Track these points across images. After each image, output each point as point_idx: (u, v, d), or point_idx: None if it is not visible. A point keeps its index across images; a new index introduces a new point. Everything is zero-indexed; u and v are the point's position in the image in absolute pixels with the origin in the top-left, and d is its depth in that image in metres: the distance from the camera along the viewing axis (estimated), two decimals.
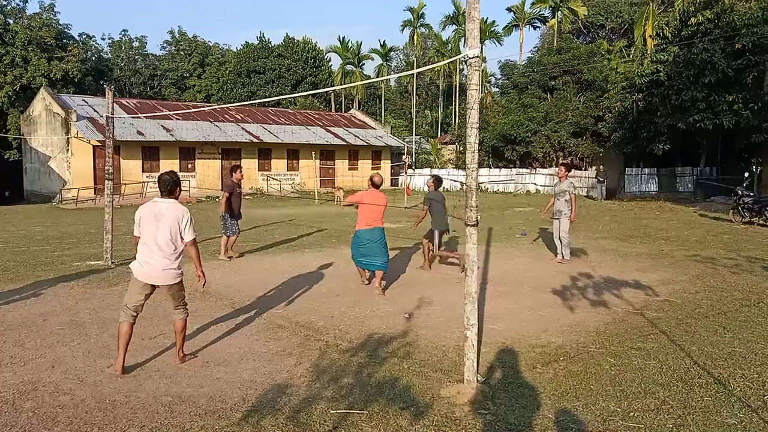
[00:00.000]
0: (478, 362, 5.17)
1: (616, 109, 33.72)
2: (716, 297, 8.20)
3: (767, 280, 9.33)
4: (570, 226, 11.40)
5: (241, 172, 12.24)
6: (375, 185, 9.31)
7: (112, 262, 10.92)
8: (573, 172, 37.93)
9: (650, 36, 33.29)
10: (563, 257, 11.30)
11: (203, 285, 5.84)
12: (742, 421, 4.29)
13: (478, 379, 5.05)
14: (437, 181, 11.41)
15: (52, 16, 45.04)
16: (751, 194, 18.19)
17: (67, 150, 30.77)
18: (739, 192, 18.02)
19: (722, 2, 26.36)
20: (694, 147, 31.72)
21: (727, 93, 25.79)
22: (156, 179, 5.62)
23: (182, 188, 5.73)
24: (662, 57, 29.65)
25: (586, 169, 36.93)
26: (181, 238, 5.41)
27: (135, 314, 5.41)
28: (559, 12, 47.86)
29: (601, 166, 32.77)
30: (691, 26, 27.63)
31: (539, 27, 55.65)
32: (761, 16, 24.26)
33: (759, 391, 4.84)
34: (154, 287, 5.41)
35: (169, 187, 5.48)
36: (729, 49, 25.60)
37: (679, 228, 16.75)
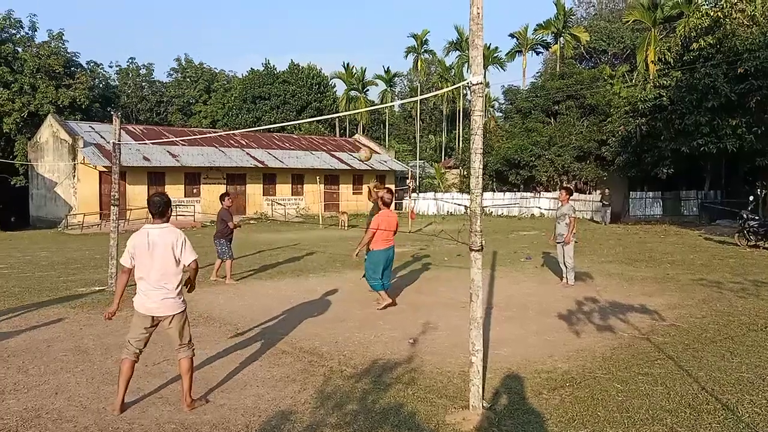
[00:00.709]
0: (483, 388, 5.12)
1: (620, 133, 33.83)
2: (723, 322, 8.13)
3: None
4: (574, 250, 11.38)
5: (230, 198, 12.44)
6: (386, 204, 9.50)
7: None
8: (577, 195, 37.97)
9: (652, 61, 33.54)
10: (568, 281, 11.26)
11: (189, 290, 5.39)
12: None
13: (484, 405, 5.00)
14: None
15: (60, 44, 45.71)
16: (757, 218, 18.13)
17: (74, 176, 30.97)
18: (745, 215, 17.96)
19: (724, 27, 26.55)
20: (698, 171, 31.73)
21: (730, 117, 25.86)
22: (147, 202, 5.37)
23: (173, 210, 5.41)
24: (665, 82, 29.81)
25: (590, 193, 36.94)
26: (177, 262, 5.03)
27: (138, 351, 5.10)
28: (562, 38, 48.36)
29: (606, 190, 32.59)
30: (693, 51, 27.82)
31: (542, 52, 56.27)
32: (763, 40, 24.41)
33: (767, 417, 4.78)
34: (156, 320, 5.08)
35: (161, 208, 5.12)
36: (731, 73, 25.73)
37: (684, 252, 16.68)
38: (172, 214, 5.37)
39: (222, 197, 12.36)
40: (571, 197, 11.83)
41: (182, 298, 5.15)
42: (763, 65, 24.19)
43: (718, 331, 7.62)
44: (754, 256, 15.40)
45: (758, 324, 7.94)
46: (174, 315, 5.07)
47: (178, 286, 5.07)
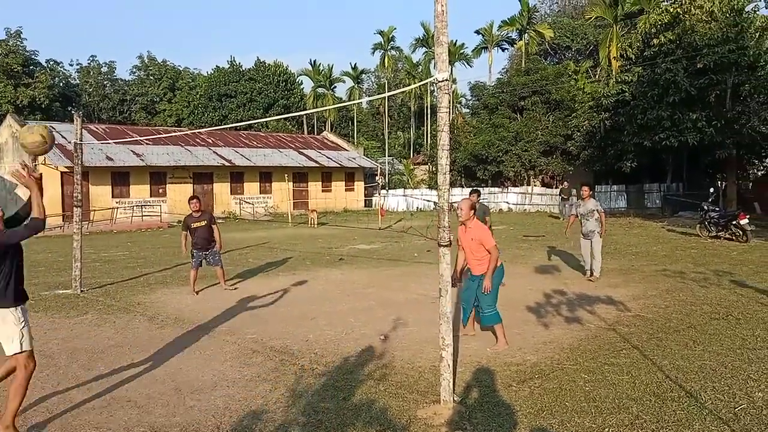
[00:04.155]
0: (454, 382, 5.17)
1: (584, 128, 34.32)
2: (686, 311, 8.33)
3: (735, 293, 9.52)
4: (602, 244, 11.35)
5: (196, 201, 10.77)
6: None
7: (81, 291, 10.71)
8: (543, 190, 38.42)
9: (614, 57, 34.09)
10: (594, 273, 11.23)
11: None
12: None
13: (455, 399, 5.05)
14: None
15: (18, 42, 44.61)
16: (717, 209, 18.57)
17: None
18: (706, 207, 18.38)
19: (683, 23, 27.12)
20: (661, 164, 32.36)
21: (690, 111, 26.43)
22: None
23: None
24: (627, 77, 30.34)
25: (556, 188, 37.42)
26: None
27: None
28: (526, 34, 48.84)
29: (566, 183, 32.26)
30: (654, 47, 28.35)
31: (507, 49, 56.70)
32: (721, 36, 25.02)
33: (729, 403, 4.92)
34: None
35: None
36: (691, 68, 26.30)
37: (648, 243, 17.03)
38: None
39: (189, 201, 10.98)
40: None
41: None
42: (721, 60, 24.79)
43: (681, 320, 7.81)
44: (715, 247, 15.80)
45: (720, 313, 8.16)
46: None
47: None
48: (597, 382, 5.48)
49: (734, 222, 16.92)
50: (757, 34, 24.82)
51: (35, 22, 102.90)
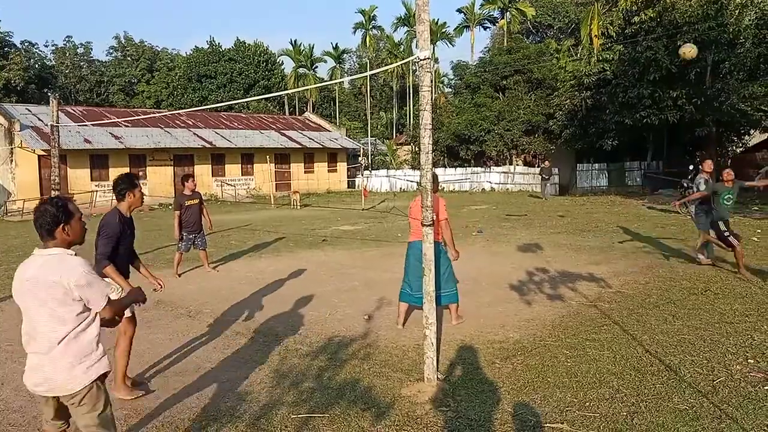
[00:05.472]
0: (437, 360, 5.21)
1: (566, 106, 34.42)
2: (665, 286, 8.45)
3: (713, 268, 9.66)
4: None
5: (193, 180, 10.82)
6: None
7: None
8: (526, 169, 38.55)
9: (596, 35, 34.11)
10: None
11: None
12: (693, 407, 4.43)
13: (439, 377, 5.09)
14: None
15: None
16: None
17: (11, 161, 29.73)
18: (685, 184, 18.59)
19: (663, 1, 27.19)
20: (642, 142, 32.63)
21: (671, 89, 26.63)
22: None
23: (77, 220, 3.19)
24: (608, 56, 30.42)
25: (538, 166, 37.59)
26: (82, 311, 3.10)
27: None
28: (508, 13, 48.69)
29: (546, 162, 31.96)
30: (635, 25, 28.43)
31: (489, 27, 56.58)
32: (701, 13, 25.15)
33: (708, 376, 5.01)
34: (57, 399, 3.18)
35: (48, 224, 3.07)
36: (672, 46, 26.42)
37: (629, 221, 17.19)
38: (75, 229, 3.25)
39: (183, 180, 10.80)
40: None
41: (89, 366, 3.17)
42: (702, 37, 24.93)
43: (660, 295, 7.92)
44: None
45: (698, 288, 8.28)
46: (75, 393, 3.15)
47: (79, 348, 3.14)
48: (578, 358, 5.55)
49: None
50: (737, 11, 24.94)
51: (8, 3, 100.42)
